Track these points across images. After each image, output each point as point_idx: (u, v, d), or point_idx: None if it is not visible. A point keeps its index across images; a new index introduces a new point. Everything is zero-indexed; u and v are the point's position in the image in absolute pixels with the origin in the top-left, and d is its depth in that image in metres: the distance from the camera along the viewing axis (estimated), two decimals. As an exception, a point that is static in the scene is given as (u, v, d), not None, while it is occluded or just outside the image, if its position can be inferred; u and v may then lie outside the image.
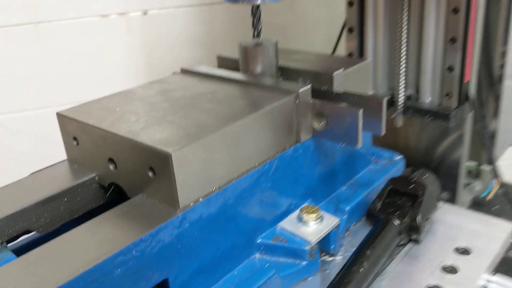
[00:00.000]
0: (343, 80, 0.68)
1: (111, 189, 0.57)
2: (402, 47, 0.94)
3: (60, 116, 0.60)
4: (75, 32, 1.20)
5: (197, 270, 0.53)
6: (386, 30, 0.97)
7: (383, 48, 0.98)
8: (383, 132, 0.63)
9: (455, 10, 0.86)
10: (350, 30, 1.00)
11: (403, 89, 0.97)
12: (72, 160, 0.61)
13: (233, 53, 0.74)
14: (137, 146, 0.51)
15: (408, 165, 1.06)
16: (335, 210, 0.67)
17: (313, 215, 0.61)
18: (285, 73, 0.70)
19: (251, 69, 0.68)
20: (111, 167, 0.56)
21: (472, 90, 0.96)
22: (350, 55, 1.02)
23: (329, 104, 0.61)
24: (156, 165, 0.50)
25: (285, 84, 0.63)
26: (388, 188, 0.67)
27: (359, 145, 0.60)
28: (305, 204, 0.65)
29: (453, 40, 0.88)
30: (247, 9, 1.25)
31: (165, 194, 0.50)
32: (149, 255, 0.47)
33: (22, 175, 0.60)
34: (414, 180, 0.67)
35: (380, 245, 0.59)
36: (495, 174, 0.99)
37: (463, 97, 0.92)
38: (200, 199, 0.52)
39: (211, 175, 0.52)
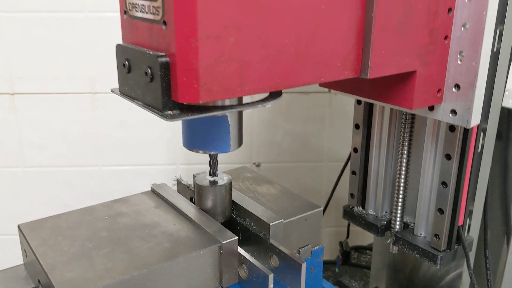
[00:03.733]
0: (287, 228, 0.70)
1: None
2: (401, 178, 0.94)
3: (19, 228, 0.69)
4: (125, 104, 1.33)
5: None
6: (390, 157, 0.97)
7: (385, 172, 0.98)
8: (302, 293, 0.64)
9: (448, 157, 0.84)
10: (355, 150, 1.01)
11: (398, 219, 0.96)
12: (25, 266, 0.70)
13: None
14: (49, 281, 0.58)
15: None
16: None
17: None
18: (237, 209, 0.74)
19: (203, 204, 0.73)
20: (40, 286, 0.64)
21: (473, 234, 0.92)
22: (353, 172, 1.03)
23: (248, 259, 0.64)
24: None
25: (217, 232, 0.67)
26: None
27: (272, 305, 0.62)
28: None
29: (444, 184, 0.86)
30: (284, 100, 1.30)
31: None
32: None
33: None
34: None
35: None
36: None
37: (455, 241, 0.89)
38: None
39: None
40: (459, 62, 0.76)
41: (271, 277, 0.61)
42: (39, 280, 0.64)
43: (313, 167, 1.40)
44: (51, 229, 0.69)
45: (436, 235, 0.89)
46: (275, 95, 0.67)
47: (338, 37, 0.65)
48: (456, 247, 0.90)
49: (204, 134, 0.67)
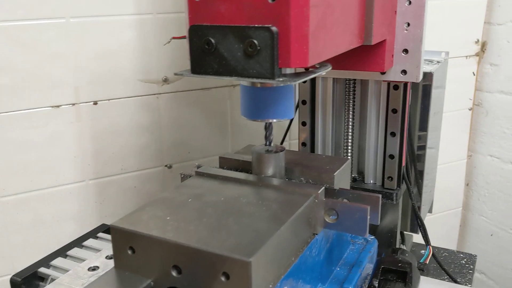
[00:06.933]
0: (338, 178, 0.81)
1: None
2: (348, 139, 1.11)
3: (115, 228, 0.64)
4: (27, 122, 1.22)
5: None
6: (334, 123, 1.14)
7: (331, 138, 1.15)
8: (379, 222, 0.76)
9: (394, 111, 1.05)
10: (303, 124, 1.15)
11: (350, 174, 1.13)
12: (121, 267, 0.65)
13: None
14: (211, 255, 0.58)
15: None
16: (340, 290, 0.79)
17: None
18: (289, 173, 0.82)
19: (264, 172, 0.79)
20: (174, 273, 0.61)
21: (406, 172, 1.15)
22: (303, 144, 1.17)
23: (340, 202, 0.74)
24: (232, 271, 0.57)
25: (305, 187, 0.75)
26: (381, 267, 0.80)
27: (366, 234, 0.73)
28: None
29: (393, 134, 1.07)
30: (189, 98, 1.35)
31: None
32: None
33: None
34: (400, 259, 0.81)
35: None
36: (427, 240, 1.18)
37: (401, 179, 1.10)
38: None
39: (270, 273, 0.61)
40: (405, 31, 0.97)
41: (368, 208, 0.72)
42: (175, 266, 0.61)
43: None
44: (150, 218, 0.65)
45: (389, 177, 1.09)
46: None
47: (356, 11, 0.80)
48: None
49: (268, 104, 0.73)
